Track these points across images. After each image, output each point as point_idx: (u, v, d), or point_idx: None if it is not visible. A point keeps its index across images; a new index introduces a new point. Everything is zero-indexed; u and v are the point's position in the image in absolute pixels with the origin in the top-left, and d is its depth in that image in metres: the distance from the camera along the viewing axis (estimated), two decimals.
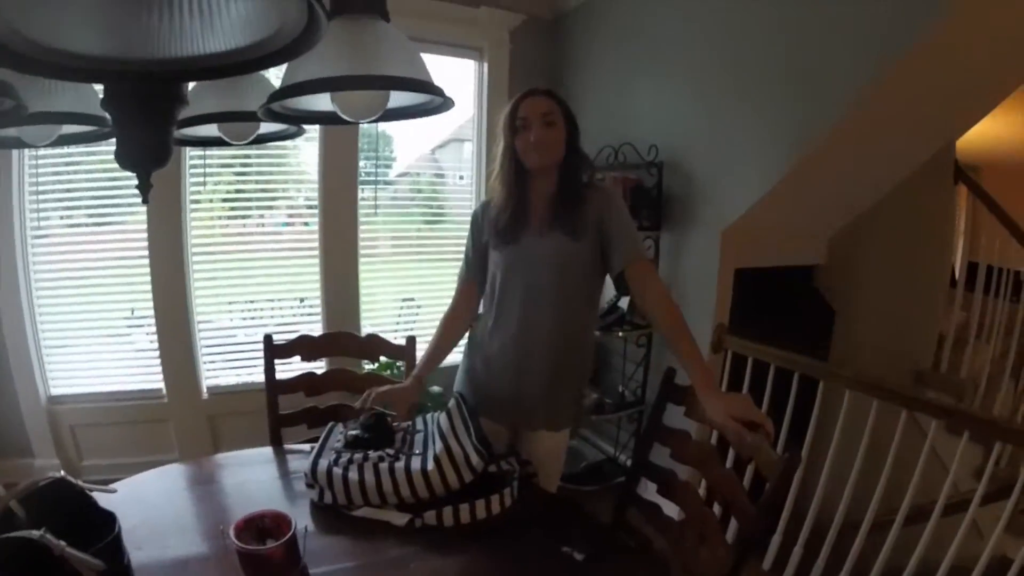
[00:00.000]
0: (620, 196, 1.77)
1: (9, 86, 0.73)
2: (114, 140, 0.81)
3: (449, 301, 1.96)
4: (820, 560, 2.36)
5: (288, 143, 3.45)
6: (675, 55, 3.01)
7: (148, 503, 1.53)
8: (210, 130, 1.17)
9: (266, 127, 1.18)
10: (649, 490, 1.69)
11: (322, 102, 0.98)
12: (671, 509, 1.62)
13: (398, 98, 0.94)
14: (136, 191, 0.83)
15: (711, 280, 2.84)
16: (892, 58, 2.11)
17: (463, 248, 1.92)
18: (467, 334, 1.94)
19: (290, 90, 0.76)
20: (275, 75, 0.99)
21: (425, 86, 0.83)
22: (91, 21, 0.63)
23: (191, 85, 0.92)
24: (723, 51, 2.73)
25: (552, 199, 1.72)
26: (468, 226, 1.91)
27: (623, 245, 1.68)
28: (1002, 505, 1.96)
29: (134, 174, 0.86)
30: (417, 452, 1.57)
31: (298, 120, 1.01)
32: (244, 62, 0.65)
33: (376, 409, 1.70)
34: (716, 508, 1.91)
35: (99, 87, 0.86)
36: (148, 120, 0.83)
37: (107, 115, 1.05)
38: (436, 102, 0.94)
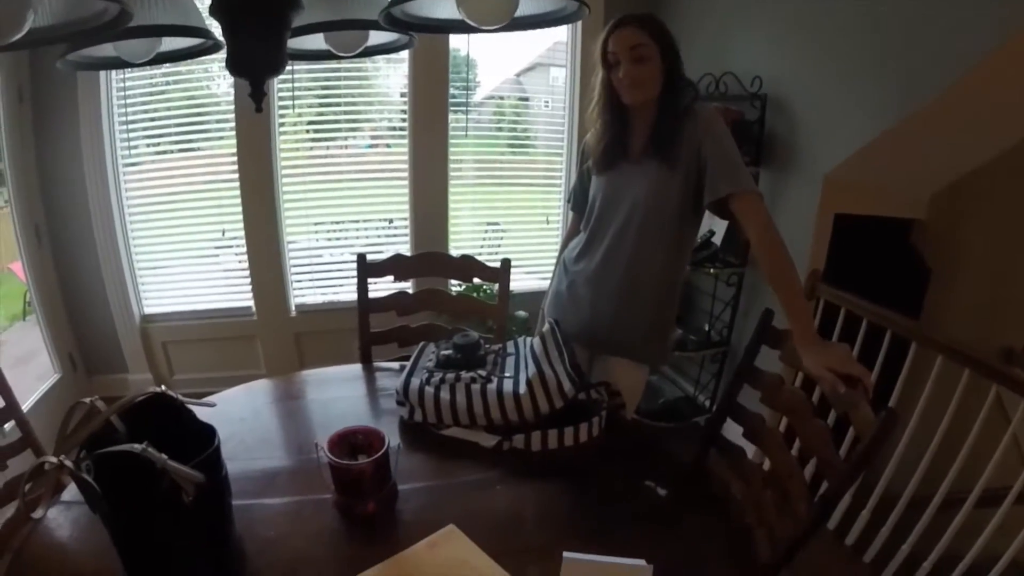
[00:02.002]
0: (721, 120, 1.64)
1: None
2: (209, 56, 0.78)
3: (533, 226, 1.96)
4: (885, 530, 2.28)
5: (370, 65, 3.47)
6: None
7: (237, 418, 1.59)
8: (317, 43, 1.14)
9: (374, 38, 1.14)
10: (733, 432, 1.64)
11: (445, 8, 0.93)
12: (753, 454, 1.58)
13: (525, 5, 0.87)
14: (221, 116, 0.80)
15: (808, 224, 2.70)
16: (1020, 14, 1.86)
17: (548, 174, 1.92)
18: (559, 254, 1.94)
19: None
20: None
21: None
22: None
23: None
24: None
25: (651, 129, 1.66)
26: (553, 153, 1.91)
27: (723, 171, 1.56)
28: None
29: (248, 82, 0.85)
30: (508, 375, 1.57)
31: (418, 28, 0.97)
32: None
33: (467, 330, 1.71)
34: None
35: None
36: (262, 25, 0.80)
37: (207, 29, 1.04)
38: (568, 10, 0.88)
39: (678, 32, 1.66)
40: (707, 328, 3.20)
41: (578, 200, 1.92)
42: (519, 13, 0.83)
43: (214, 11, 0.85)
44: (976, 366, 2.08)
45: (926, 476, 2.19)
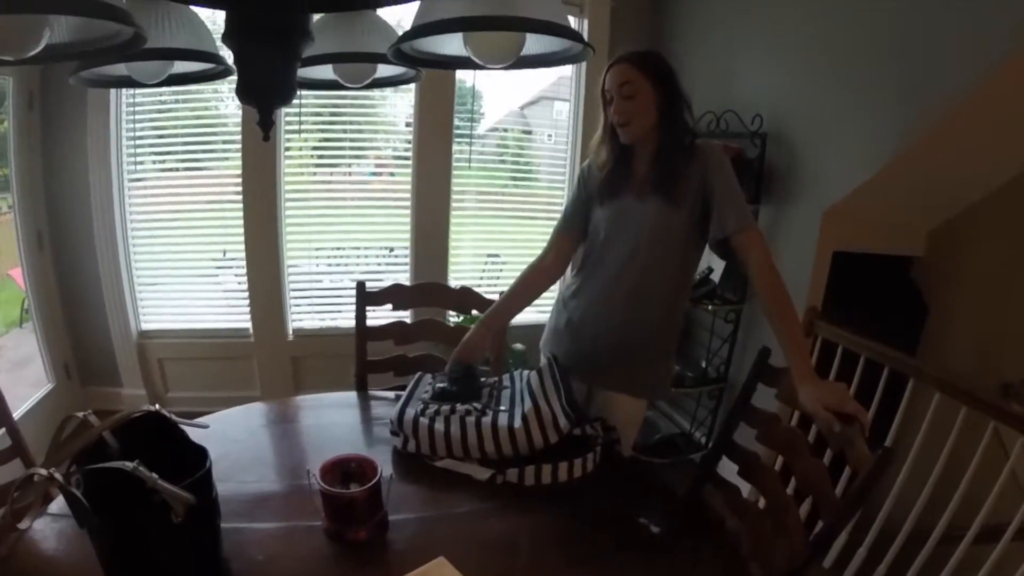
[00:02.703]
0: (727, 158, 1.67)
1: (127, 12, 0.73)
2: (216, 82, 0.80)
3: (533, 259, 1.95)
4: (883, 567, 2.25)
5: (376, 93, 3.51)
6: (785, 21, 2.83)
7: (232, 438, 1.59)
8: (326, 73, 1.16)
9: (382, 71, 1.16)
10: (729, 470, 1.64)
11: (452, 45, 0.95)
12: (748, 492, 1.58)
13: (532, 45, 0.90)
14: (228, 137, 0.82)
15: (807, 261, 2.71)
16: (1016, 46, 1.89)
17: (549, 207, 1.92)
18: (558, 291, 1.94)
19: (425, 29, 0.74)
20: (395, 21, 0.96)
21: (567, 31, 0.79)
22: None
23: (315, 19, 0.90)
24: (837, 21, 2.55)
25: (652, 163, 1.68)
26: (555, 187, 1.92)
27: (727, 210, 1.59)
28: None
29: (256, 109, 0.86)
30: (504, 408, 1.56)
31: (425, 63, 0.99)
32: None
33: (464, 364, 1.72)
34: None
35: (217, 23, 0.85)
36: (274, 54, 0.82)
37: (218, 54, 1.06)
38: (573, 51, 0.90)
39: (680, 71, 1.69)
40: (704, 364, 3.19)
41: (574, 220, 1.86)
42: (525, 52, 0.85)
43: (226, 37, 0.86)
44: (973, 402, 2.07)
45: (924, 511, 2.17)
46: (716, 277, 3.02)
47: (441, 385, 1.68)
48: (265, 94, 0.80)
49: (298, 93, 0.95)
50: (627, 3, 3.61)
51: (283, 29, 0.77)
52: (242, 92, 0.86)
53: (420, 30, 0.73)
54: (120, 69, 1.17)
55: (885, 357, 2.41)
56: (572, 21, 3.57)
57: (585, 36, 3.57)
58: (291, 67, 0.80)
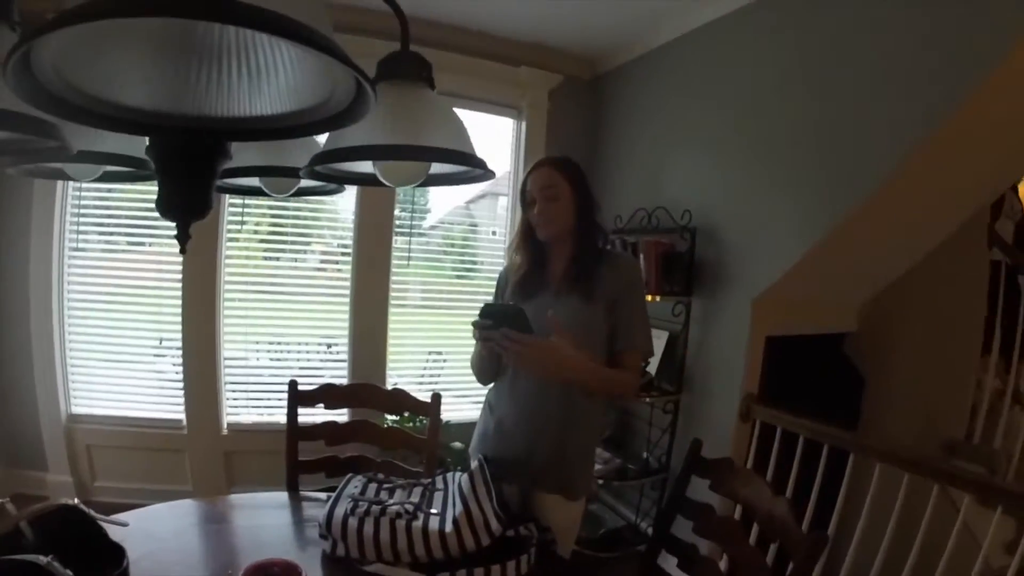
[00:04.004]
0: (641, 277, 1.80)
1: (54, 127, 0.75)
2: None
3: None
4: None
5: None
6: (708, 123, 3.03)
7: (157, 537, 1.51)
8: (250, 180, 1.19)
9: (307, 182, 1.20)
10: (670, 563, 1.63)
11: (364, 165, 1.00)
12: None
13: (439, 166, 0.95)
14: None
15: (741, 348, 2.79)
16: (928, 131, 2.10)
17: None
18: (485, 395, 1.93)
19: (334, 155, 0.78)
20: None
21: (468, 159, 0.84)
22: (142, 76, 0.66)
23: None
24: (757, 120, 2.75)
25: (569, 264, 1.75)
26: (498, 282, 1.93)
27: (627, 333, 1.70)
28: None
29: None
30: (435, 512, 1.53)
31: (339, 180, 1.03)
32: (290, 127, 0.66)
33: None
34: None
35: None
36: (191, 173, 0.84)
37: (147, 160, 1.09)
38: (476, 172, 0.95)
39: (614, 170, 1.80)
40: (645, 456, 3.20)
41: None
42: (434, 171, 0.90)
43: (147, 152, 0.88)
44: (915, 468, 2.15)
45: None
46: (652, 369, 3.07)
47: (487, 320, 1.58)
48: (181, 211, 0.81)
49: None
50: (562, 106, 3.81)
51: (198, 149, 0.80)
52: (159, 207, 0.88)
53: (331, 155, 0.77)
54: (56, 164, 1.20)
55: (823, 434, 2.48)
56: (511, 123, 3.75)
57: (523, 136, 3.73)
58: (208, 185, 0.82)
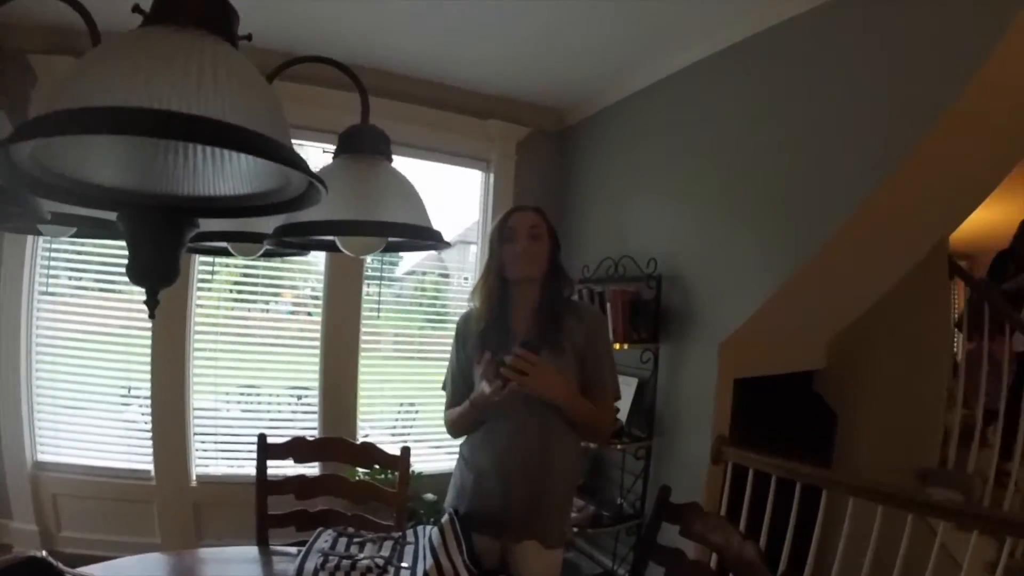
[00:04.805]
0: (608, 328, 1.85)
1: (28, 198, 0.78)
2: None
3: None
4: None
5: None
6: (673, 171, 3.13)
7: None
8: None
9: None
10: None
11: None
12: None
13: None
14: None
15: (710, 391, 2.83)
16: (883, 173, 2.20)
17: None
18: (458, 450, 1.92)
19: (294, 228, 0.82)
20: None
21: (423, 232, 0.88)
22: (113, 160, 0.70)
23: None
24: (720, 168, 2.84)
25: (534, 313, 1.77)
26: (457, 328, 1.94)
27: (600, 384, 1.76)
28: None
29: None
30: (406, 566, 1.54)
31: (302, 247, 1.07)
32: (251, 207, 0.70)
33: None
34: None
35: None
36: (160, 242, 0.87)
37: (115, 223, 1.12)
38: (435, 238, 0.99)
39: (580, 220, 1.86)
40: (619, 502, 3.20)
41: (458, 387, 1.88)
42: (393, 240, 0.95)
43: (118, 223, 0.91)
44: (887, 500, 2.20)
45: None
46: (623, 416, 3.10)
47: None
48: (150, 278, 0.84)
49: None
50: (530, 158, 3.91)
51: (169, 224, 0.83)
52: (130, 274, 0.91)
53: (291, 228, 0.81)
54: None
55: (795, 473, 2.50)
56: (480, 175, 3.83)
57: (491, 186, 3.81)
58: (176, 254, 0.85)
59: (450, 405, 1.91)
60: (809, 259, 2.47)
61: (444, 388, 1.96)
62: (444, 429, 1.93)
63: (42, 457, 3.25)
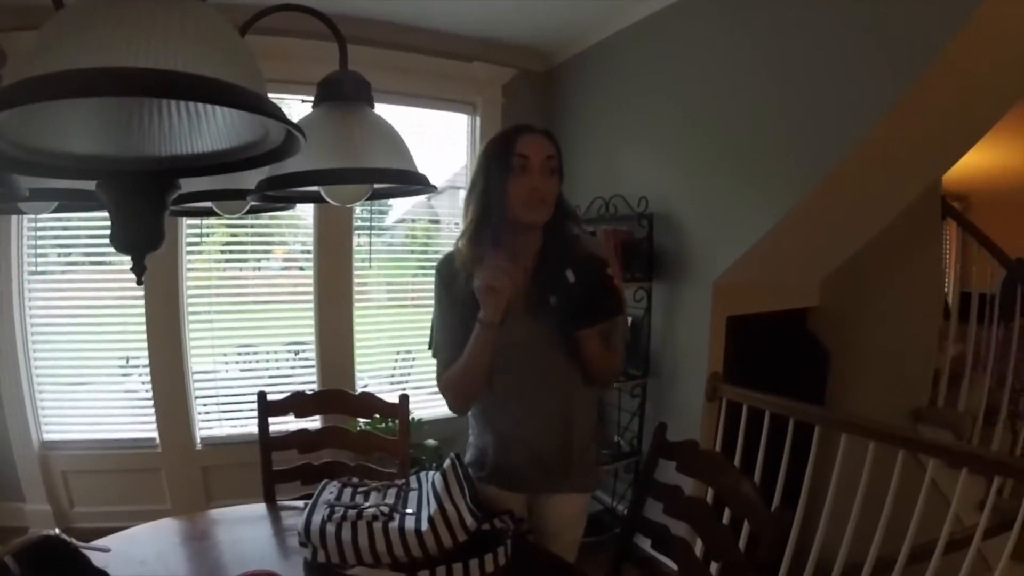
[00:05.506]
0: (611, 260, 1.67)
1: (4, 176, 0.76)
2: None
3: None
4: None
5: None
6: (665, 109, 3.08)
7: (140, 559, 1.51)
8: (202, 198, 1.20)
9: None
10: (645, 544, 1.68)
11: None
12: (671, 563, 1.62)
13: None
14: None
15: (704, 330, 2.86)
16: (879, 111, 2.16)
17: None
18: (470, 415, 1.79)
19: (279, 180, 0.80)
20: None
21: (408, 176, 0.86)
22: (87, 127, 0.67)
23: None
24: (712, 106, 2.79)
25: (537, 260, 1.60)
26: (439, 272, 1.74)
27: (612, 332, 1.64)
28: (1007, 536, 1.94)
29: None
30: (411, 511, 1.56)
31: (287, 200, 1.05)
32: (230, 163, 0.69)
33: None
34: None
35: None
36: (142, 208, 0.86)
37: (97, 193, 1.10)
38: (423, 182, 0.97)
39: (569, 158, 1.64)
40: (617, 440, 3.26)
41: (453, 337, 1.64)
42: (379, 186, 0.93)
43: (98, 190, 0.90)
44: (878, 436, 2.24)
45: (858, 545, 2.26)
46: None
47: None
48: (135, 245, 0.83)
49: None
50: (517, 100, 3.83)
51: (150, 188, 0.81)
52: (114, 243, 0.90)
53: (274, 181, 0.79)
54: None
55: (788, 409, 2.55)
56: (465, 119, 3.76)
57: (478, 131, 3.75)
58: (160, 218, 0.83)
59: (447, 363, 1.64)
60: (804, 198, 2.45)
61: (433, 350, 1.73)
62: None
63: (48, 436, 3.29)
